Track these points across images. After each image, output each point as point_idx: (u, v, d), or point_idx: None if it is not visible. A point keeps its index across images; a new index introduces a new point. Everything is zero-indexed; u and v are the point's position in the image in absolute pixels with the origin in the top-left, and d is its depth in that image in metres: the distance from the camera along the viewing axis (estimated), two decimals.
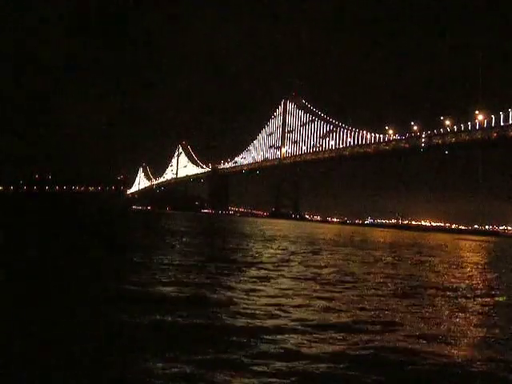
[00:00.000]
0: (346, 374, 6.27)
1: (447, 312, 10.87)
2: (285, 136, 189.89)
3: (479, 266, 26.44)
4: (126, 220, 72.05)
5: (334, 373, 6.29)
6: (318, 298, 11.60)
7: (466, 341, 8.36)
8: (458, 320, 10.01)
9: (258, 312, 9.39)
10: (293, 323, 8.73)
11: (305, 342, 7.60)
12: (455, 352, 7.49)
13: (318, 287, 13.42)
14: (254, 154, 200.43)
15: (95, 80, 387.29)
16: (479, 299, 13.13)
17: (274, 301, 10.63)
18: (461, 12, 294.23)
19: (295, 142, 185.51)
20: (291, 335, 7.89)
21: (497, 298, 13.64)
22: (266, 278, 14.32)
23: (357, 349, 7.33)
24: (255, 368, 6.24)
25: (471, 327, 9.43)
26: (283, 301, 10.75)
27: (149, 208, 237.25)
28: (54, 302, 9.62)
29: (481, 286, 16.99)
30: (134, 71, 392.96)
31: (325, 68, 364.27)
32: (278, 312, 9.52)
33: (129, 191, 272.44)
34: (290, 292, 12.16)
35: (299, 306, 10.26)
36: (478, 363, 6.99)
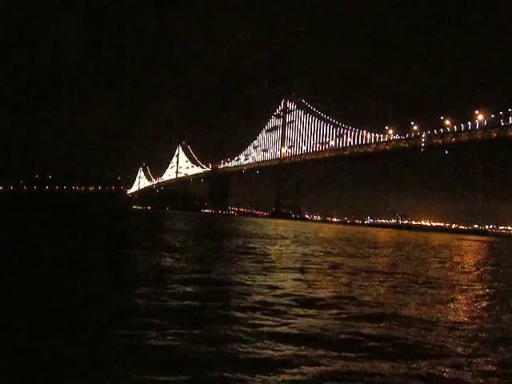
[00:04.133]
0: None
1: None
2: (285, 136, 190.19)
3: None
4: (125, 220, 72.04)
5: None
6: None
7: None
8: None
9: None
10: None
11: None
12: None
13: None
14: (254, 153, 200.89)
15: (96, 79, 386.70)
16: None
17: None
18: (461, 12, 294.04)
19: (295, 141, 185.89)
20: None
21: None
22: None
23: None
24: None
25: None
26: None
27: (149, 208, 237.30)
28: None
29: None
30: (134, 71, 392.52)
31: (325, 68, 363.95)
32: None
33: (129, 191, 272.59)
34: None
35: None
36: None
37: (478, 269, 23.91)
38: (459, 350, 7.47)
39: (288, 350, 6.94)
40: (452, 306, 11.55)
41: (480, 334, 8.53)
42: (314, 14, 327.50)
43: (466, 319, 9.94)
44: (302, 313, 9.47)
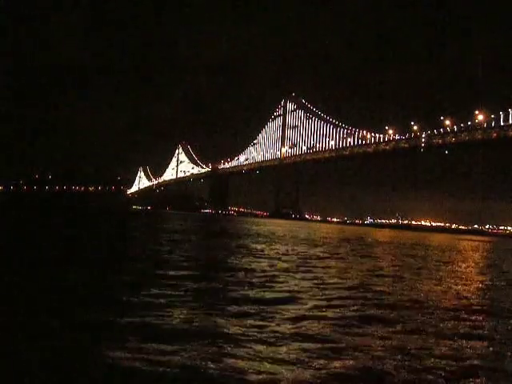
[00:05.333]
0: None
1: None
2: (285, 136, 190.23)
3: None
4: (126, 220, 72.02)
5: None
6: None
7: None
8: None
9: None
10: None
11: None
12: None
13: None
14: (254, 153, 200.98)
15: (95, 81, 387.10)
16: None
17: None
18: (461, 12, 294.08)
19: (295, 142, 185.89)
20: None
21: None
22: None
23: None
24: None
25: None
26: None
27: (149, 208, 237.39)
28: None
29: None
30: (134, 71, 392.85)
31: (325, 68, 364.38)
32: None
33: (129, 191, 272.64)
34: None
35: None
36: None
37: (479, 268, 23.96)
38: None
39: None
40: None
41: None
42: (315, 14, 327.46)
43: None
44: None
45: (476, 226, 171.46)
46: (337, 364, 6.47)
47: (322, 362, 6.51)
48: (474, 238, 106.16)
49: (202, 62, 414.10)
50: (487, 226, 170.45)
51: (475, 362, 6.95)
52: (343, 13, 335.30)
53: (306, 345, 7.22)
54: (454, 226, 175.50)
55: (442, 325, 9.17)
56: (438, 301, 11.92)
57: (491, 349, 7.76)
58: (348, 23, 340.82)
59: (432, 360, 6.86)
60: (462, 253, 40.24)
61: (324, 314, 9.49)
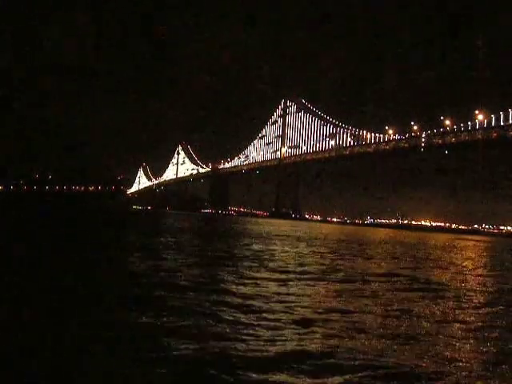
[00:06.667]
0: None
1: None
2: (285, 136, 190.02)
3: None
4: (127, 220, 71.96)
5: None
6: None
7: None
8: None
9: None
10: None
11: None
12: None
13: None
14: (254, 153, 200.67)
15: (95, 81, 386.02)
16: None
17: None
18: (460, 12, 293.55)
19: (295, 142, 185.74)
20: None
21: None
22: None
23: None
24: None
25: None
26: None
27: (149, 208, 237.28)
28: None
29: None
30: (134, 71, 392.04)
31: (325, 68, 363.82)
32: None
33: (129, 191, 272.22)
34: None
35: None
36: None
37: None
38: None
39: None
40: None
41: None
42: (315, 15, 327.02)
43: None
44: None
45: (476, 225, 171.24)
46: None
47: None
48: (474, 237, 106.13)
49: (202, 62, 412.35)
50: (487, 226, 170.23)
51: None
52: (343, 13, 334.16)
53: None
54: (454, 225, 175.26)
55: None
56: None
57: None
58: (348, 23, 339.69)
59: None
60: (463, 252, 40.27)
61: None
